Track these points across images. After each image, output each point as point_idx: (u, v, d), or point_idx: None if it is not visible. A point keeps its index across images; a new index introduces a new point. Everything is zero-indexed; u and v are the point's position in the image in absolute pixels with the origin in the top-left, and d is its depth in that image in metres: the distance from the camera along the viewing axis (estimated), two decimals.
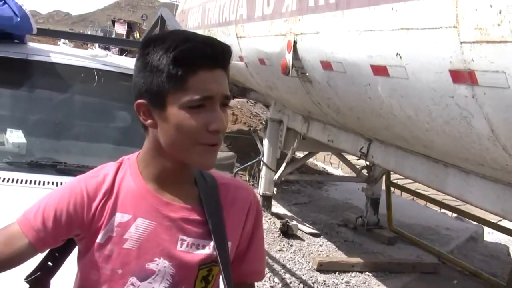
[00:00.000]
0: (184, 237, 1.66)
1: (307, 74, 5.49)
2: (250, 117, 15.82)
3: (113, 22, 49.01)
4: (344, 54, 4.57)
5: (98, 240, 1.64)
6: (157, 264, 1.64)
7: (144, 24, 48.28)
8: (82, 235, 1.66)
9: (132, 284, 1.64)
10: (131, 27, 44.30)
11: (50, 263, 1.79)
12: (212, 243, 1.68)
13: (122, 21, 48.52)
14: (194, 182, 1.74)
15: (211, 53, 1.55)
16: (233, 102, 15.16)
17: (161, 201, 1.66)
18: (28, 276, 1.77)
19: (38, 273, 1.78)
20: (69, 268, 1.81)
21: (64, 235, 1.66)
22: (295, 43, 5.46)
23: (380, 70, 4.13)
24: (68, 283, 1.81)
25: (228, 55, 1.60)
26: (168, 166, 1.65)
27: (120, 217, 1.64)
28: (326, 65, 4.98)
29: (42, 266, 1.79)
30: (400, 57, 3.80)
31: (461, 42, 3.19)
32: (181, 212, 1.67)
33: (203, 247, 1.68)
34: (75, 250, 1.78)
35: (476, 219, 7.77)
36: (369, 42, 4.16)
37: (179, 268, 1.66)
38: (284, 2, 5.83)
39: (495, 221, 7.49)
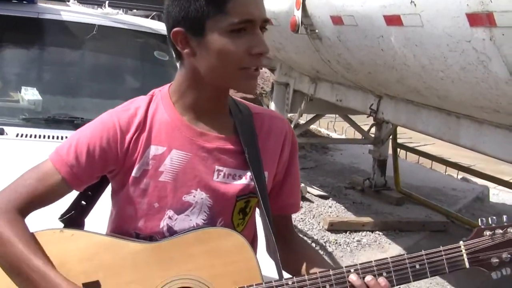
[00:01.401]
0: (221, 168, 1.66)
1: (317, 31, 5.46)
2: None
3: None
4: (355, 6, 4.54)
5: (133, 174, 1.63)
6: (194, 196, 1.64)
7: None
8: (116, 170, 1.65)
9: (169, 217, 1.65)
10: None
11: (83, 202, 1.79)
12: (249, 173, 1.67)
13: None
14: (229, 112, 1.73)
15: None
16: None
17: (195, 132, 1.65)
18: (62, 215, 1.78)
19: (72, 212, 1.78)
20: (103, 207, 1.82)
21: (98, 171, 1.65)
22: None
23: (393, 20, 4.10)
24: (102, 222, 1.81)
25: None
26: (204, 95, 1.63)
27: (154, 150, 1.63)
28: (337, 20, 4.95)
29: (75, 205, 1.79)
30: (415, 4, 3.77)
31: None
32: (217, 142, 1.66)
33: (240, 177, 1.67)
34: (108, 189, 1.79)
35: (486, 177, 7.78)
36: None
37: (217, 199, 1.66)
38: None
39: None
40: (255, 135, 1.72)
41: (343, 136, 13.80)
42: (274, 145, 1.76)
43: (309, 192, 8.20)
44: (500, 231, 1.65)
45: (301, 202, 7.46)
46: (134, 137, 1.63)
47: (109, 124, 1.63)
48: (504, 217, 1.68)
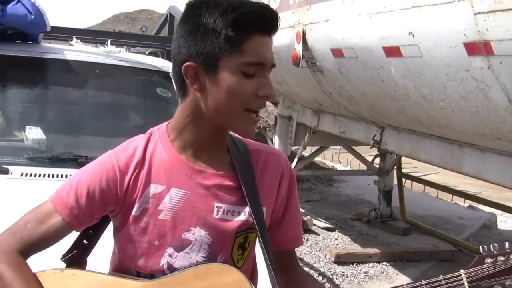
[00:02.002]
0: (220, 204, 1.66)
1: (318, 63, 5.52)
2: None
3: None
4: (355, 39, 4.60)
5: (133, 213, 1.63)
6: (193, 234, 1.64)
7: None
8: (117, 210, 1.66)
9: (169, 255, 1.64)
10: None
11: (85, 241, 1.79)
12: (247, 209, 1.67)
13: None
14: (226, 149, 1.74)
15: (268, 18, 1.56)
16: None
17: (193, 169, 1.65)
18: (64, 255, 1.77)
19: (74, 252, 1.77)
20: (105, 245, 1.81)
21: (98, 213, 1.66)
22: (304, 33, 5.49)
23: (392, 51, 4.15)
24: (104, 261, 1.80)
25: (279, 22, 1.60)
26: (204, 132, 1.64)
27: (154, 188, 1.64)
28: (337, 52, 5.00)
29: (77, 244, 1.78)
30: (413, 35, 3.82)
31: (475, 14, 3.22)
32: (215, 179, 1.66)
33: (239, 213, 1.67)
34: (110, 227, 1.79)
35: (493, 205, 7.76)
36: (381, 24, 4.18)
37: (216, 236, 1.65)
38: None
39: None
40: (252, 171, 1.72)
41: (348, 168, 13.81)
42: (271, 181, 1.75)
43: (315, 225, 8.18)
44: (502, 258, 1.63)
45: (307, 235, 7.56)
46: (133, 176, 1.64)
47: (108, 165, 1.64)
48: (507, 243, 1.66)
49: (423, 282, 1.63)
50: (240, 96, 1.55)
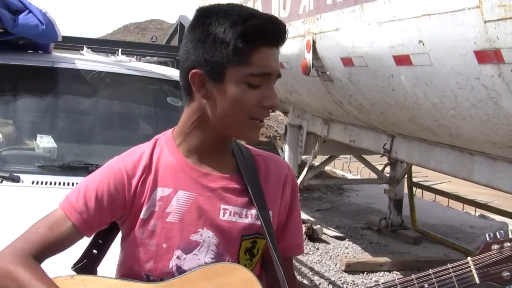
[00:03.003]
0: (226, 206, 1.69)
1: (328, 72, 5.52)
2: (267, 128, 15.85)
3: None
4: (365, 48, 4.60)
5: (141, 216, 1.66)
6: (201, 235, 1.66)
7: None
8: (125, 215, 1.69)
9: (177, 257, 1.66)
10: None
11: (95, 251, 1.82)
12: (254, 212, 1.70)
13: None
14: (231, 153, 1.77)
15: (276, 31, 1.60)
16: None
17: (199, 172, 1.69)
18: (74, 264, 1.80)
19: (84, 261, 1.80)
20: (114, 255, 1.83)
21: (108, 217, 1.69)
22: (314, 42, 5.49)
23: (402, 60, 4.15)
24: (114, 270, 1.82)
25: (287, 34, 1.64)
26: (209, 137, 1.68)
27: (161, 191, 1.67)
28: (347, 61, 5.01)
29: (87, 254, 1.81)
30: (423, 44, 3.82)
31: (485, 22, 3.21)
32: (220, 182, 1.70)
33: (246, 216, 1.70)
34: (119, 237, 1.81)
35: (505, 214, 7.71)
36: (391, 32, 4.18)
37: (223, 237, 1.68)
38: (301, 2, 5.87)
39: None
40: (257, 175, 1.76)
41: (358, 177, 13.79)
42: (275, 185, 1.79)
43: (325, 234, 8.17)
44: (509, 244, 1.63)
45: (318, 243, 7.54)
46: (141, 180, 1.67)
47: (116, 170, 1.68)
48: (509, 226, 1.66)
49: (430, 271, 1.64)
50: (245, 105, 1.59)
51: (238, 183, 1.72)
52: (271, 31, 1.59)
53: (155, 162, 1.70)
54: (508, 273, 1.63)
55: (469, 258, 1.65)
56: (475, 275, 1.62)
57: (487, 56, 3.30)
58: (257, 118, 1.63)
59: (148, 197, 1.67)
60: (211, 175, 1.70)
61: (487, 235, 1.68)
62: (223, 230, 1.68)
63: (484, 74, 3.41)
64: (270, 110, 1.67)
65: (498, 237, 1.66)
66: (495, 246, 1.64)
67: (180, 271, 1.66)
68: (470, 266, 1.63)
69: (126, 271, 1.72)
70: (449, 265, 1.64)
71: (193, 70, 1.60)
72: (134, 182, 1.67)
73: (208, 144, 1.70)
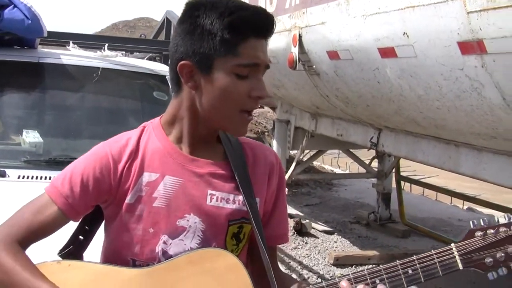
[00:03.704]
0: (213, 192, 1.70)
1: (314, 66, 5.54)
2: (255, 124, 15.86)
3: None
4: (350, 41, 4.61)
5: (127, 200, 1.68)
6: (188, 220, 1.68)
7: None
8: (110, 200, 1.70)
9: (164, 242, 1.68)
10: None
11: (81, 237, 1.84)
12: (241, 197, 1.72)
13: None
14: (219, 140, 1.79)
15: (263, 22, 1.61)
16: None
17: (187, 158, 1.71)
18: (61, 250, 1.81)
19: (71, 247, 1.82)
20: (101, 241, 1.84)
21: (93, 201, 1.70)
22: (300, 36, 5.50)
23: (387, 52, 4.16)
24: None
25: (274, 26, 1.65)
26: (197, 126, 1.70)
27: (148, 176, 1.68)
28: (333, 55, 5.02)
29: (73, 240, 1.83)
30: (408, 36, 3.84)
31: (468, 12, 3.23)
32: (208, 167, 1.71)
33: (233, 201, 1.72)
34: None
35: (492, 207, 7.75)
36: (375, 25, 4.20)
37: (209, 223, 1.69)
38: None
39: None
40: (245, 162, 1.78)
41: (347, 172, 13.82)
42: (262, 173, 1.81)
43: (314, 228, 8.19)
44: (492, 231, 1.65)
45: (306, 238, 7.55)
46: (127, 165, 1.68)
47: (102, 154, 1.69)
48: (496, 217, 1.69)
49: (414, 257, 1.66)
50: (233, 96, 1.60)
51: (225, 170, 1.73)
52: (258, 22, 1.60)
53: (142, 148, 1.71)
54: (491, 259, 1.65)
55: (452, 244, 1.67)
56: (458, 261, 1.65)
57: (471, 47, 3.32)
58: (246, 110, 1.64)
59: (135, 182, 1.68)
60: (199, 161, 1.71)
61: (471, 222, 1.70)
62: (210, 216, 1.69)
63: (468, 65, 3.43)
64: (259, 103, 1.68)
65: (482, 224, 1.68)
66: (479, 233, 1.66)
67: (166, 256, 1.67)
68: (453, 253, 1.65)
69: (112, 256, 1.73)
70: (433, 251, 1.66)
71: (182, 62, 1.61)
72: (120, 166, 1.68)
73: (196, 133, 1.71)
